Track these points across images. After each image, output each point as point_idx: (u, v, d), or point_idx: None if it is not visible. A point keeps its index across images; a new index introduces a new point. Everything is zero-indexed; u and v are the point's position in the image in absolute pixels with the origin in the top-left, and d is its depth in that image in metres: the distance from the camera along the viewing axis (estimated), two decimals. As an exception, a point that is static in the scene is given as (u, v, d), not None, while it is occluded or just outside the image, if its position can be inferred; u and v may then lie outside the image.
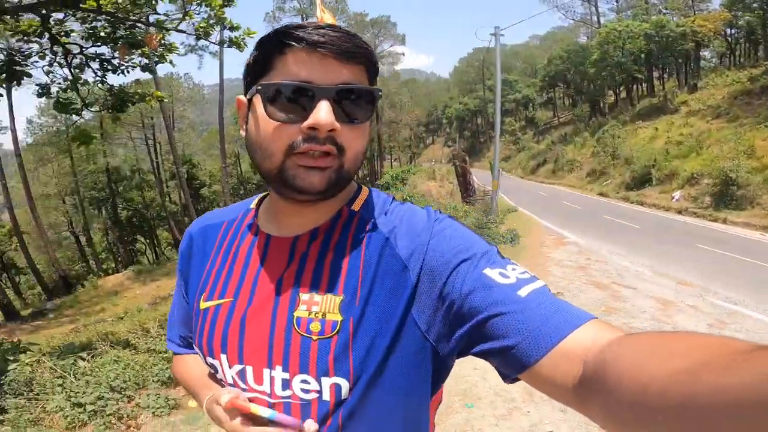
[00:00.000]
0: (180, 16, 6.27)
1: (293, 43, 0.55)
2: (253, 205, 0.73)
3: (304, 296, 0.60)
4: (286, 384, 0.58)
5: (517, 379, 0.52)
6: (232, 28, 7.16)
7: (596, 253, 9.25)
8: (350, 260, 0.61)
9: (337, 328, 0.57)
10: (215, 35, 7.66)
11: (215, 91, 27.47)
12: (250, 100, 0.61)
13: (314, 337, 0.57)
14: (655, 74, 36.01)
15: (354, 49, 0.56)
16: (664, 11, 35.65)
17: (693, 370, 0.31)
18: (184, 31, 7.01)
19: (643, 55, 31.79)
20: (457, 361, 0.61)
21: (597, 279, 7.18)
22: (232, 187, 33.21)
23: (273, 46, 0.57)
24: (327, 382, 0.57)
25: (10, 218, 21.94)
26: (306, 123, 0.55)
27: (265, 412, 0.57)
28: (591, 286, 6.76)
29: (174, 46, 7.26)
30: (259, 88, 0.58)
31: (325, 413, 0.58)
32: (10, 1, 5.11)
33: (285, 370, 0.58)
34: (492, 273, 0.54)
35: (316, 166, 0.56)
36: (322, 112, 0.54)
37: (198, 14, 6.44)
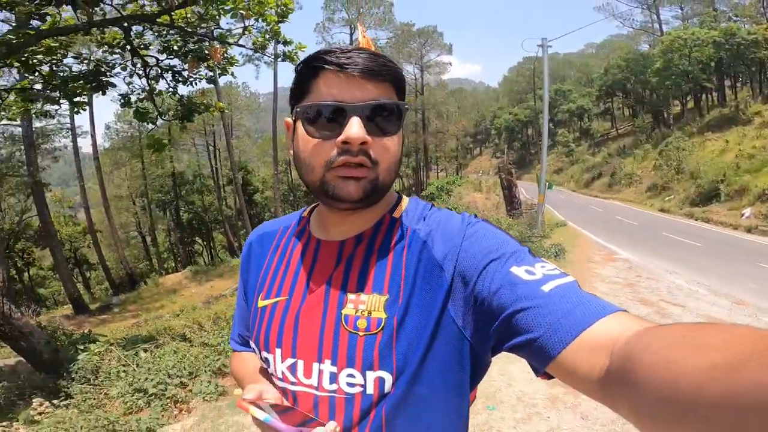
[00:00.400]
0: (240, 31, 6.82)
1: (324, 66, 0.62)
2: (305, 214, 0.79)
3: (351, 296, 0.64)
4: (333, 378, 0.62)
5: (550, 376, 0.53)
6: (285, 43, 7.69)
7: (648, 271, 8.74)
8: (393, 262, 0.65)
9: (382, 324, 0.61)
10: (270, 48, 8.23)
11: (270, 99, 28.89)
12: (295, 122, 0.67)
13: (360, 333, 0.62)
14: (727, 83, 33.43)
15: (379, 68, 0.62)
16: (734, 18, 33.13)
17: (732, 365, 0.30)
18: (243, 46, 7.60)
19: (712, 64, 29.65)
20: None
21: (644, 296, 6.84)
22: (283, 194, 34.59)
23: (308, 72, 0.64)
24: (371, 376, 0.61)
25: (86, 217, 24.14)
26: (339, 138, 0.61)
27: (260, 414, 0.60)
28: (636, 302, 6.47)
29: (234, 59, 7.88)
30: (298, 110, 0.65)
31: (369, 406, 0.61)
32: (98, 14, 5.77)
33: (333, 363, 0.62)
34: (518, 270, 0.56)
35: (352, 176, 0.61)
36: (354, 128, 0.60)
37: (256, 29, 6.97)
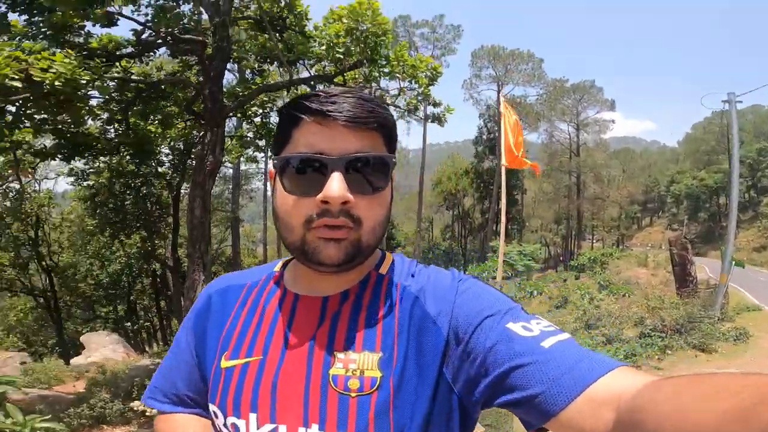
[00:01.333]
0: (396, 92, 7.98)
1: (304, 114, 0.58)
2: (277, 269, 0.73)
3: (340, 354, 0.60)
4: None
5: (544, 430, 0.51)
6: (435, 104, 8.57)
7: None
8: (384, 319, 0.62)
9: (377, 384, 0.57)
10: (421, 110, 9.23)
11: (419, 155, 31.16)
12: (275, 174, 0.62)
13: (353, 395, 0.57)
14: None
15: (366, 115, 0.57)
16: None
17: (744, 409, 0.30)
18: (399, 107, 8.78)
19: None
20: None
21: None
22: (423, 250, 35.76)
23: (289, 117, 0.60)
24: None
25: (262, 252, 28.88)
26: (318, 196, 0.56)
27: None
28: None
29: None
30: (275, 162, 0.60)
31: None
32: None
33: (321, 428, 0.57)
34: (515, 327, 0.55)
35: (333, 238, 0.57)
36: (334, 185, 0.55)
37: (409, 89, 8.03)
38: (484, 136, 37.96)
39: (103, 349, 10.65)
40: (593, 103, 39.85)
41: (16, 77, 4.10)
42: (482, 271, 14.69)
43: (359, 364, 0.59)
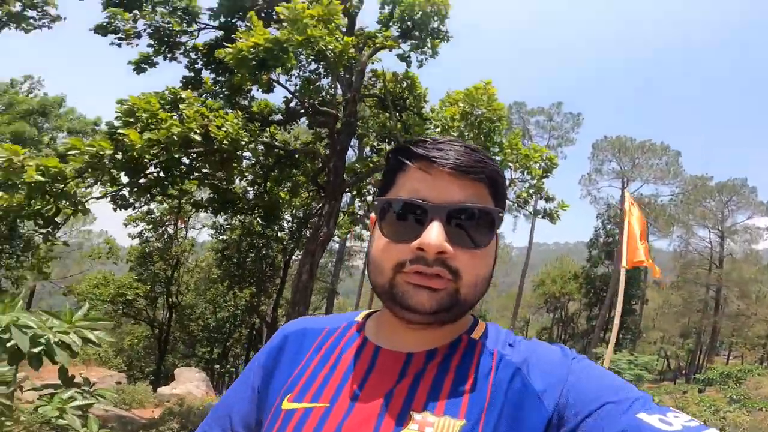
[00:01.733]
0: (507, 183, 7.93)
1: (409, 159, 0.57)
2: (359, 318, 0.70)
3: (417, 415, 0.54)
4: None
5: None
6: (548, 199, 7.90)
7: None
8: (474, 385, 0.56)
9: None
10: (531, 204, 8.76)
11: (523, 254, 29.40)
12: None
13: None
14: None
15: (473, 164, 0.55)
16: None
17: None
18: (508, 198, 8.64)
19: None
20: None
21: None
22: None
23: (395, 163, 0.59)
24: None
25: (356, 300, 28.96)
26: (414, 243, 0.54)
27: None
28: None
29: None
30: (376, 204, 0.59)
31: None
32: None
33: None
34: (649, 418, 0.47)
35: (426, 286, 0.55)
36: (432, 233, 0.53)
37: (520, 181, 7.85)
38: (601, 239, 33.21)
39: (189, 383, 11.44)
40: (744, 207, 31.41)
41: (198, 131, 5.12)
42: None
43: (437, 427, 0.53)
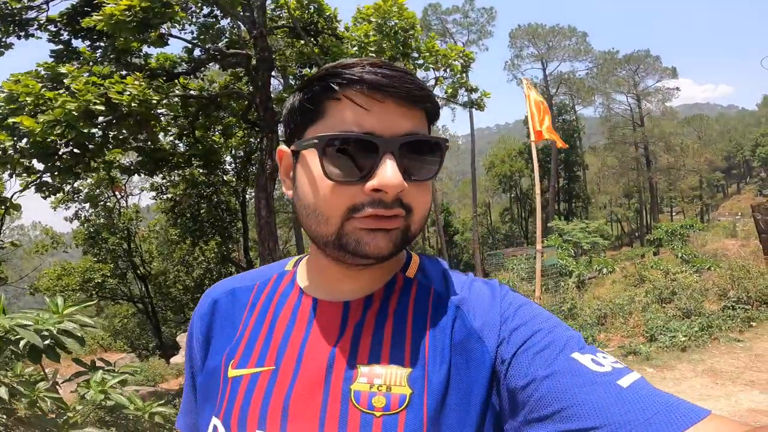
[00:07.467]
0: (433, 82, 8.15)
1: (349, 84, 0.50)
2: (288, 267, 0.66)
3: (363, 368, 0.53)
4: None
5: None
6: (471, 90, 8.68)
7: None
8: (414, 329, 0.55)
9: (406, 402, 0.51)
10: (461, 96, 9.35)
11: (469, 140, 30.73)
12: (296, 152, 0.55)
13: (377, 414, 0.50)
14: None
15: (418, 91, 0.51)
16: None
17: None
18: (437, 95, 8.93)
19: None
20: None
21: None
22: (482, 236, 35.20)
23: (324, 89, 0.51)
24: None
25: None
26: (371, 184, 0.50)
27: None
28: None
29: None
30: (315, 141, 0.51)
31: None
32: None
33: None
34: (582, 358, 0.48)
35: (382, 228, 0.51)
36: (389, 171, 0.49)
37: (447, 79, 8.18)
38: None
39: (195, 345, 11.97)
40: (651, 73, 36.90)
41: (98, 101, 4.81)
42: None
43: (385, 379, 0.52)
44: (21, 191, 5.64)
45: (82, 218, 15.99)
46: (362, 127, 0.50)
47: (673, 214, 43.72)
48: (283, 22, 7.98)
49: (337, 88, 0.50)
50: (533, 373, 0.48)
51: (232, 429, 0.55)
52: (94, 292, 16.77)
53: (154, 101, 5.20)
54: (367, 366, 0.53)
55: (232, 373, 0.58)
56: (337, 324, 0.57)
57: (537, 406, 0.46)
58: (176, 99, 6.59)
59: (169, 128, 7.90)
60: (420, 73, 8.21)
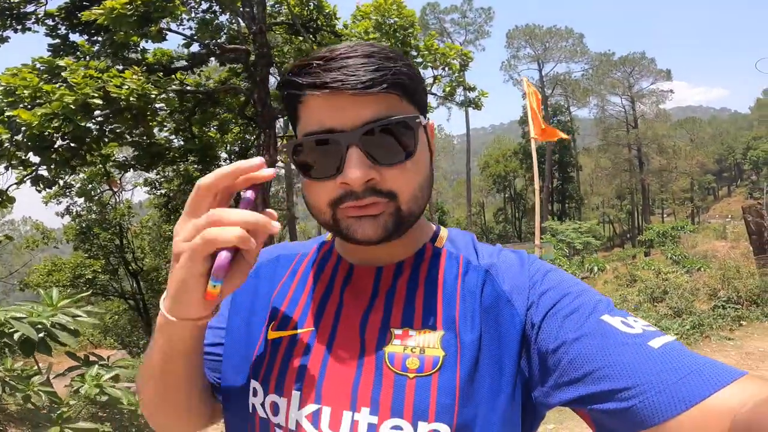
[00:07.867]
0: (431, 80, 8.18)
1: (302, 89, 0.51)
2: (329, 237, 0.68)
3: (397, 331, 0.54)
4: (373, 430, 0.51)
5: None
6: (469, 89, 8.73)
7: None
8: (444, 294, 0.57)
9: (439, 364, 0.51)
10: (459, 95, 9.42)
11: (464, 140, 30.90)
12: None
13: (411, 375, 0.51)
14: None
15: (372, 76, 0.49)
16: None
17: None
18: (435, 94, 8.96)
19: None
20: None
21: None
22: (477, 235, 35.40)
23: (290, 94, 0.53)
24: (425, 428, 0.50)
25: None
26: (339, 178, 0.51)
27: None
28: None
29: (429, 105, 9.40)
30: (285, 149, 0.54)
31: None
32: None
33: (373, 413, 0.51)
34: (612, 320, 0.48)
35: (366, 215, 0.52)
36: (351, 165, 0.49)
37: (444, 77, 8.22)
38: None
39: (185, 341, 11.91)
40: (646, 75, 37.58)
41: (96, 95, 4.78)
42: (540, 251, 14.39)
43: (419, 341, 0.53)
44: (17, 184, 5.59)
45: (74, 213, 15.80)
46: (323, 125, 0.51)
47: (665, 215, 44.31)
48: (282, 18, 7.99)
49: (297, 92, 0.52)
50: (563, 336, 0.48)
51: (270, 389, 0.56)
52: (84, 288, 16.62)
53: (153, 95, 5.18)
54: (401, 329, 0.55)
55: (272, 335, 0.60)
56: (370, 289, 0.59)
57: (567, 369, 0.47)
58: (173, 94, 6.56)
59: (165, 123, 7.87)
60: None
